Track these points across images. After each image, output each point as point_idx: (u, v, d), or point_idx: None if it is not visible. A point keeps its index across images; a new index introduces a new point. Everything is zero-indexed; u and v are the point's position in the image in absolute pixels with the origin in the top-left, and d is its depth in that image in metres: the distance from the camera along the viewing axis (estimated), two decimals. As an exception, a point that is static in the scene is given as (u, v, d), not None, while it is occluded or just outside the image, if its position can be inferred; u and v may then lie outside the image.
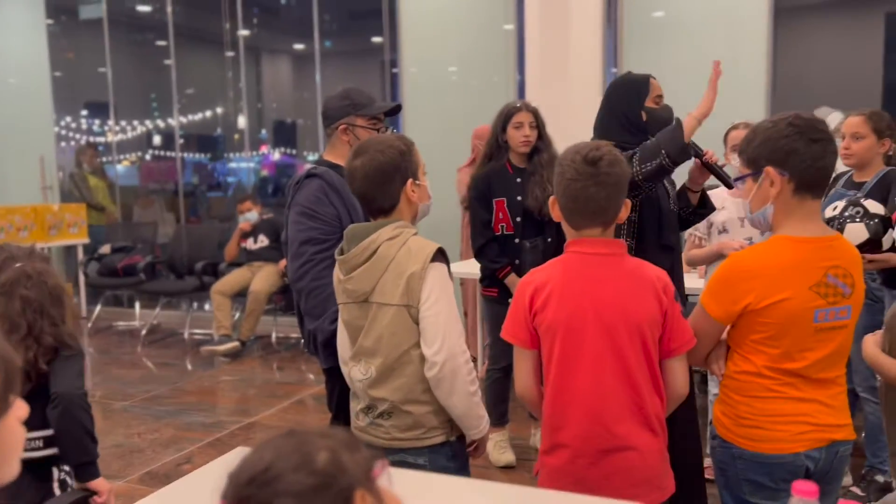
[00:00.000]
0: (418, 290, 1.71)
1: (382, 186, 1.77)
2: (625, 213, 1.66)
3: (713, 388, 3.17)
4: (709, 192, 3.13)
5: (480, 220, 3.26)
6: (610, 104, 2.42)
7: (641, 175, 2.16)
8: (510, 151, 3.28)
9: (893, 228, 2.42)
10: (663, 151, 2.14)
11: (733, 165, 3.00)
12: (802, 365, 1.59)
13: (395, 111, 2.50)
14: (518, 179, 3.27)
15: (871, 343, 1.99)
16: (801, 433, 1.59)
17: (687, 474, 2.35)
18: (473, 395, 1.74)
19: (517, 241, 3.24)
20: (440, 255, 1.75)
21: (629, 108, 2.37)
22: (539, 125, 3.28)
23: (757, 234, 2.95)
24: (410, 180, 1.79)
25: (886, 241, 2.40)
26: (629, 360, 1.61)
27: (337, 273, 1.84)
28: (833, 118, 3.94)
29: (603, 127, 2.40)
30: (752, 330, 1.61)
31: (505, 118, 3.25)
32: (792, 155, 1.55)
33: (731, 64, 4.86)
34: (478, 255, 3.30)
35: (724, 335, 1.70)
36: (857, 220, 2.43)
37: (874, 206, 2.44)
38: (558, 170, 1.67)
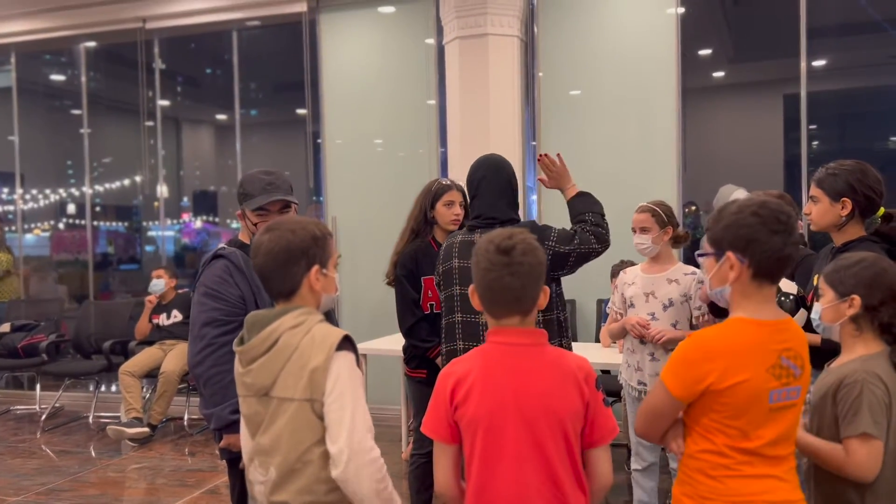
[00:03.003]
0: (322, 383, 1.60)
1: (285, 267, 1.67)
2: (543, 300, 1.63)
3: (634, 464, 3.14)
4: (624, 270, 3.22)
5: (410, 299, 3.20)
6: (503, 183, 2.61)
7: (600, 245, 2.49)
8: (435, 228, 3.27)
9: (808, 309, 2.48)
10: (605, 222, 2.55)
11: (635, 244, 3.11)
12: (758, 444, 1.62)
13: (286, 206, 2.42)
14: None
15: (799, 427, 1.97)
16: None
17: None
18: (381, 491, 1.60)
19: None
20: (346, 343, 1.65)
21: (516, 187, 2.65)
22: (466, 204, 3.30)
23: (659, 310, 3.03)
24: (317, 267, 1.70)
25: (800, 320, 2.45)
26: (551, 456, 1.56)
27: (236, 365, 1.72)
28: (737, 195, 4.10)
29: (501, 206, 2.58)
30: (711, 409, 1.63)
31: (435, 195, 3.25)
32: (753, 244, 1.60)
33: (644, 142, 5.09)
34: (407, 335, 3.22)
35: (680, 414, 1.70)
36: (770, 297, 2.48)
37: (787, 285, 2.50)
38: (474, 259, 1.63)
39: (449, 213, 3.23)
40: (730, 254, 1.63)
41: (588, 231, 2.50)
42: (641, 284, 3.10)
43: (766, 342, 1.62)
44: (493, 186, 2.56)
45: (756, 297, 1.65)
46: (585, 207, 2.56)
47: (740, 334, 1.62)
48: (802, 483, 1.84)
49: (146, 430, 5.13)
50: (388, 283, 3.38)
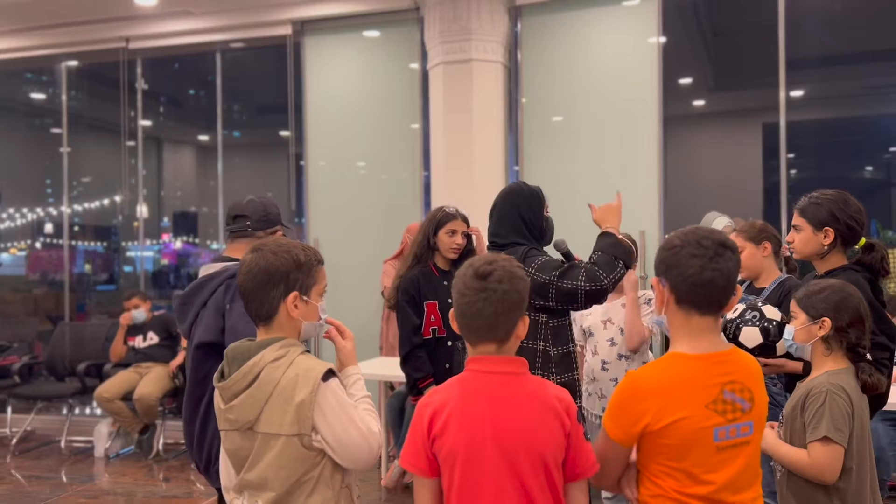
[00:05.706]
0: (310, 417, 1.58)
1: (262, 289, 1.65)
2: (522, 329, 1.59)
3: (605, 492, 3.12)
4: None
5: (411, 325, 3.21)
6: (508, 208, 2.54)
7: (610, 282, 2.32)
8: (436, 255, 3.31)
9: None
10: (620, 262, 2.35)
11: None
12: (711, 489, 1.53)
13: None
14: (445, 282, 3.26)
15: (772, 435, 2.07)
16: None
17: None
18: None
19: (450, 343, 3.20)
20: (329, 374, 1.64)
21: (534, 215, 2.54)
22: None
23: (618, 334, 3.16)
24: (295, 294, 1.66)
25: (782, 347, 2.44)
26: (532, 491, 1.52)
27: (217, 400, 1.68)
28: (719, 222, 4.14)
29: (503, 231, 2.53)
30: (654, 452, 1.56)
31: (438, 223, 3.29)
32: (671, 268, 1.57)
33: (625, 169, 5.12)
34: (403, 362, 3.23)
35: (634, 457, 1.62)
36: (753, 323, 2.48)
37: (770, 311, 2.49)
38: (453, 282, 1.61)
39: (450, 241, 3.27)
40: (654, 278, 1.62)
41: (582, 268, 2.33)
42: (599, 313, 3.24)
43: (704, 376, 1.54)
44: (498, 211, 2.56)
45: (688, 328, 1.57)
46: (600, 246, 2.40)
47: (673, 370, 1.55)
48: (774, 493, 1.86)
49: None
50: (391, 308, 3.39)
